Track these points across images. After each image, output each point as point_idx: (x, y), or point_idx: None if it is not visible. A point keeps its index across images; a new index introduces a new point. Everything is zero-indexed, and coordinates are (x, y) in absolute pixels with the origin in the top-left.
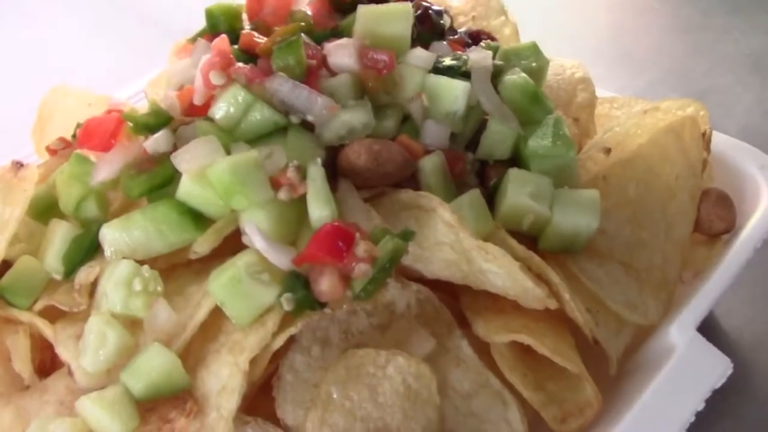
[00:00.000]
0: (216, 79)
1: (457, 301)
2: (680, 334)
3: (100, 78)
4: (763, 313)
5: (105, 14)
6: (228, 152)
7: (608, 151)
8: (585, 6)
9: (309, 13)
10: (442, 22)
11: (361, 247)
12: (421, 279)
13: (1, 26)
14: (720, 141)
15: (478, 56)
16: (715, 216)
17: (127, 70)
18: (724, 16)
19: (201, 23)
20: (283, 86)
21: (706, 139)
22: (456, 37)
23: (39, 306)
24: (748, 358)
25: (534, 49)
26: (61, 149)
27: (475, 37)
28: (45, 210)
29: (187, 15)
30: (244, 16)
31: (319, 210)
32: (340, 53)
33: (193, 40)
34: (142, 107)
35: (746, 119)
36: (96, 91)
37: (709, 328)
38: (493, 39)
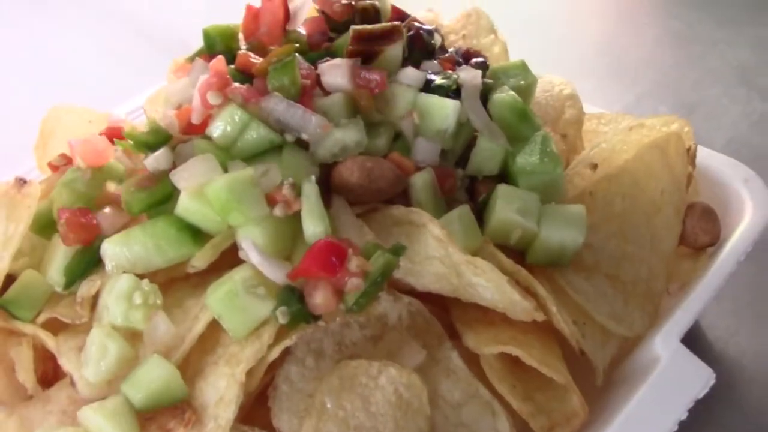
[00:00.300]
0: (213, 99)
1: (447, 313)
2: (664, 345)
3: (100, 93)
4: (747, 324)
5: (104, 30)
6: (225, 170)
7: (595, 166)
8: (574, 21)
9: (303, 32)
10: (433, 41)
11: (354, 262)
12: (412, 291)
13: (3, 45)
14: (705, 155)
15: (468, 75)
16: (700, 229)
17: (126, 85)
18: (712, 28)
19: (198, 39)
20: (278, 106)
21: (690, 155)
22: (447, 55)
23: (42, 318)
24: (732, 369)
25: (523, 68)
26: (62, 165)
27: (467, 56)
28: (47, 225)
29: (185, 31)
30: (241, 36)
31: (314, 226)
32: (334, 73)
33: (191, 59)
34: (140, 123)
35: (733, 131)
36: (96, 106)
37: (695, 339)
38: (483, 58)
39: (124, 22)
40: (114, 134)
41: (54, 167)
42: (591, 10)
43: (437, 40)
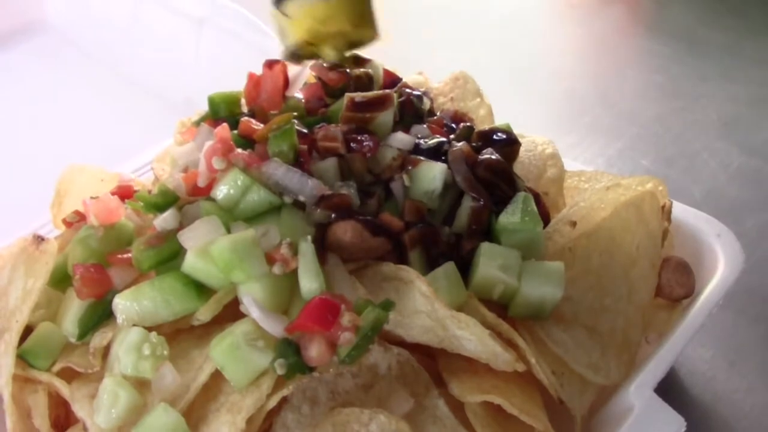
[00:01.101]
0: (218, 163)
1: (434, 362)
2: (637, 395)
3: (109, 149)
4: (721, 372)
5: (112, 88)
6: (228, 230)
7: (574, 224)
8: (558, 76)
9: (301, 97)
10: (422, 106)
11: (347, 318)
12: (401, 342)
13: (17, 103)
14: (680, 211)
15: (454, 140)
16: (675, 282)
17: (133, 140)
18: (694, 83)
19: (202, 97)
20: (277, 170)
21: (666, 211)
22: (435, 118)
23: (57, 367)
24: (707, 414)
25: (507, 130)
26: (76, 222)
27: (455, 120)
28: (62, 278)
29: (189, 90)
30: (243, 101)
31: (309, 283)
32: (329, 138)
33: (197, 123)
34: (147, 179)
35: (711, 184)
36: (105, 161)
37: (671, 386)
38: (469, 122)
39: (132, 80)
40: (124, 193)
41: (68, 224)
42: (574, 66)
43: (426, 104)
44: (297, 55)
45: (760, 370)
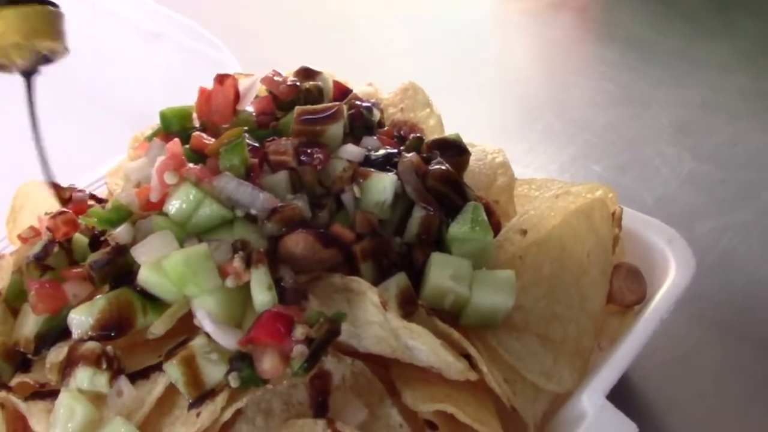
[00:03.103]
0: (169, 178)
1: (387, 372)
2: (590, 401)
3: (64, 164)
4: (674, 378)
5: (64, 103)
6: (181, 244)
7: (524, 232)
8: (508, 84)
9: (252, 110)
10: (372, 117)
11: (299, 331)
12: (354, 352)
13: None
14: (631, 218)
15: (405, 151)
16: (627, 289)
17: (87, 154)
18: (645, 90)
19: (155, 110)
20: (229, 184)
21: (616, 218)
22: (385, 129)
23: (14, 382)
24: (660, 421)
25: (457, 140)
26: (31, 237)
27: (405, 131)
28: (17, 294)
29: (143, 103)
30: (195, 115)
31: (262, 295)
32: (280, 152)
33: (149, 138)
34: (101, 193)
35: (663, 190)
36: (60, 176)
37: (625, 393)
38: (419, 133)
39: (86, 95)
40: (78, 208)
41: (23, 239)
42: (524, 73)
43: (376, 115)
44: None
45: (713, 375)
